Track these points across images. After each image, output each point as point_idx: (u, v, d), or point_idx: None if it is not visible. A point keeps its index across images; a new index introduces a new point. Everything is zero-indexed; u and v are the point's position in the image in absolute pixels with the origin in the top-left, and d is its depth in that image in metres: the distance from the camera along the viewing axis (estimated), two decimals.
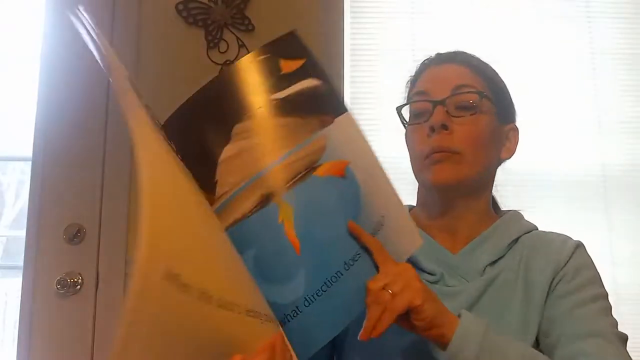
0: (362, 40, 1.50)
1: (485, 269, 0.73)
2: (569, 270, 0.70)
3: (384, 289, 0.57)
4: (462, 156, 0.72)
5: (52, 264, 1.31)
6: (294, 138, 0.58)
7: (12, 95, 1.63)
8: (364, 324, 0.57)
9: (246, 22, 1.43)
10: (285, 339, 0.53)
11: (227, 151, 0.57)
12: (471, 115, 0.73)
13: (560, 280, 0.70)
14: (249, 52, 0.62)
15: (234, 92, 0.58)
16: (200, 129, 0.58)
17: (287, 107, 0.59)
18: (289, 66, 0.60)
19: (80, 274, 1.31)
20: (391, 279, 0.58)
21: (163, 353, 0.42)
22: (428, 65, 0.81)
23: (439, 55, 0.82)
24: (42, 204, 1.34)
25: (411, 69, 0.83)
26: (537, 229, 0.78)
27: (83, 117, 1.37)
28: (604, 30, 1.52)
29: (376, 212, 0.62)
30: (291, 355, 0.53)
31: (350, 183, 0.60)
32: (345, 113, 0.63)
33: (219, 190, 0.56)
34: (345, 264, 0.58)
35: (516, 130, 0.80)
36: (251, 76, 0.59)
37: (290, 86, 0.59)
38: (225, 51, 1.43)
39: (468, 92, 0.74)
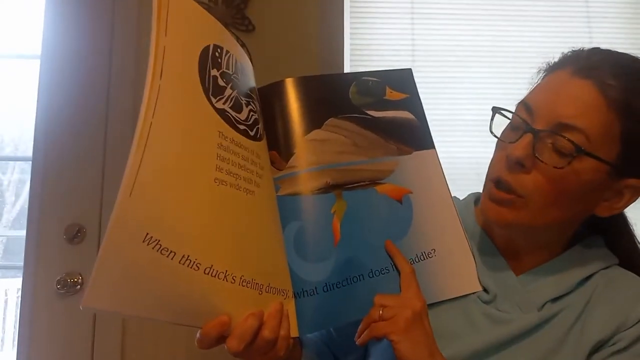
0: (362, 40, 1.50)
1: (545, 304, 0.63)
2: (628, 336, 0.59)
3: (381, 309, 0.58)
4: (527, 202, 0.59)
5: (52, 264, 1.31)
6: (370, 151, 0.67)
7: (12, 95, 1.63)
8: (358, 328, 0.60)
9: (246, 22, 1.43)
10: (288, 310, 0.57)
11: (315, 134, 0.65)
12: (560, 168, 0.56)
13: (611, 344, 0.60)
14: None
15: (345, 91, 0.69)
16: (305, 103, 0.67)
17: (376, 126, 0.68)
18: (393, 95, 0.71)
19: (80, 274, 1.31)
20: (392, 304, 0.58)
21: (133, 302, 0.45)
22: (562, 66, 0.63)
23: (578, 55, 0.64)
24: (42, 204, 1.34)
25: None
26: (617, 262, 0.66)
27: (83, 117, 1.37)
28: (604, 30, 1.52)
29: (425, 244, 0.65)
30: (289, 325, 0.56)
31: (404, 210, 0.66)
32: (430, 150, 0.69)
33: (293, 161, 0.64)
34: (372, 271, 0.62)
35: (638, 190, 0.60)
36: (361, 89, 0.70)
37: (386, 111, 0.69)
38: None
39: (567, 140, 0.56)
